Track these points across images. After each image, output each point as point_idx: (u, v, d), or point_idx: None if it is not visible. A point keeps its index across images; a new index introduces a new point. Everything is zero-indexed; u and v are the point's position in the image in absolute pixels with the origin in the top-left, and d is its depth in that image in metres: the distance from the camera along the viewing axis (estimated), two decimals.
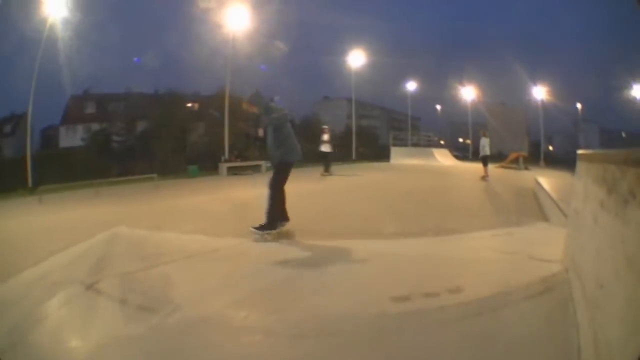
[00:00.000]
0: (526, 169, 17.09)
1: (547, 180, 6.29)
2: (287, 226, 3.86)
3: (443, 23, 53.40)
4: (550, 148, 37.64)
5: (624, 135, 36.65)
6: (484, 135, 11.24)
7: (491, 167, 14.76)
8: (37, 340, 1.86)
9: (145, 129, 17.48)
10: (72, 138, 17.53)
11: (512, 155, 20.13)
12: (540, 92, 26.52)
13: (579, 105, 34.08)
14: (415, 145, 24.62)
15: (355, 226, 4.37)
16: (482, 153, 10.81)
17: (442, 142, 33.29)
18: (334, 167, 12.04)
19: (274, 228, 3.68)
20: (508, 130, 34.43)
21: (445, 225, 4.21)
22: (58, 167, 12.91)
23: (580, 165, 2.19)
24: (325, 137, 11.16)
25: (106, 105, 18.97)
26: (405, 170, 14.26)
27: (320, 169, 11.46)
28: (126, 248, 3.56)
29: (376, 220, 4.74)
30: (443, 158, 20.76)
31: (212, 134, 17.13)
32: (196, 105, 19.67)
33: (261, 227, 3.63)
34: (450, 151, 29.70)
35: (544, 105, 27.25)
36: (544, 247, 2.88)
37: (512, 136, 33.04)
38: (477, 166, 12.36)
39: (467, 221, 4.52)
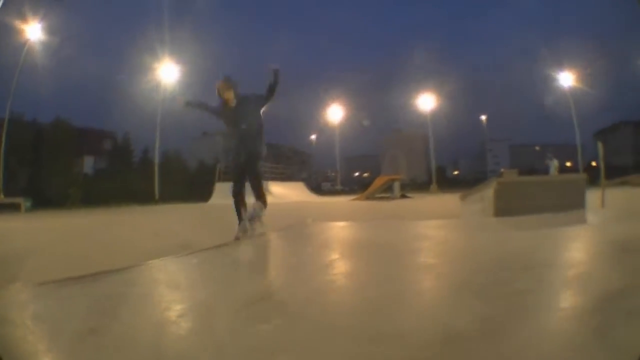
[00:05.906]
0: (403, 196, 14.11)
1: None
2: None
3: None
4: (456, 172, 41.93)
5: (537, 148, 36.95)
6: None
7: (346, 199, 14.22)
8: None
9: None
10: None
11: (379, 181, 14.47)
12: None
13: (483, 117, 33.63)
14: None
15: None
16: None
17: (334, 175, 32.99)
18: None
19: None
20: (406, 157, 34.31)
21: None
22: None
23: None
24: None
25: None
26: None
27: None
28: None
29: None
30: (288, 191, 16.40)
31: None
32: None
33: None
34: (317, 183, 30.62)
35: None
36: None
37: (410, 162, 33.49)
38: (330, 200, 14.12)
39: None
